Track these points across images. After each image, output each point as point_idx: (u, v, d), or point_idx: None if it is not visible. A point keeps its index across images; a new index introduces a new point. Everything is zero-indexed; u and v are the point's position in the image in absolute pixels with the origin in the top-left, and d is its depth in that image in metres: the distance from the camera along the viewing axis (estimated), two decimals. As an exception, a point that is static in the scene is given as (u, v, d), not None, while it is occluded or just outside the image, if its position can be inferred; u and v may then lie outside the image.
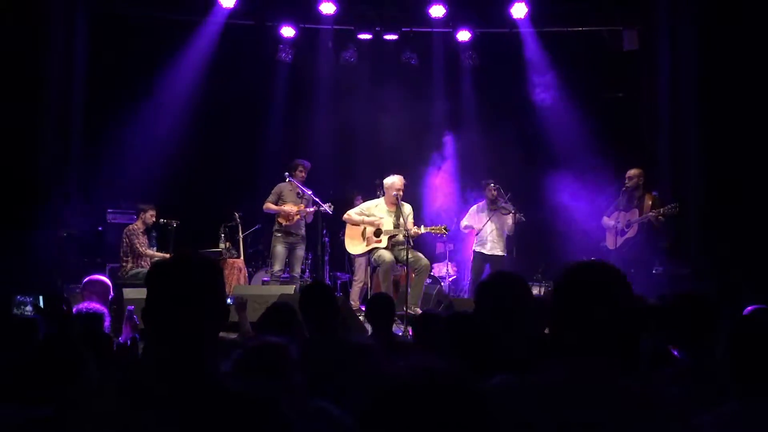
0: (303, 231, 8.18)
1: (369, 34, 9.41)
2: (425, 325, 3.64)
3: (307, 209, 7.98)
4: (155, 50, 9.03)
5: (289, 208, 7.94)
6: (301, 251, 8.18)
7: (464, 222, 8.50)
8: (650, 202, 7.31)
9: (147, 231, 8.08)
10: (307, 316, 3.53)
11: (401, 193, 7.46)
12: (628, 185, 7.45)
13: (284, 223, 7.98)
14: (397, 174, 7.62)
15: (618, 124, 9.09)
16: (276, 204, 8.01)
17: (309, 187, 8.10)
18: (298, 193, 8.06)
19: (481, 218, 8.36)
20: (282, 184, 8.09)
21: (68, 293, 7.63)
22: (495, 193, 8.24)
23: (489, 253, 8.23)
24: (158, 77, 9.12)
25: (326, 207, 7.83)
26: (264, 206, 8.05)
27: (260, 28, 9.41)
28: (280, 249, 8.02)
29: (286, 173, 8.02)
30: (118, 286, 7.85)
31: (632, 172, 7.48)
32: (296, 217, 7.96)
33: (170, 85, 9.20)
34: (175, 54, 9.16)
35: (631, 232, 7.34)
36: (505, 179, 8.46)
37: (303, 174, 8.09)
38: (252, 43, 9.44)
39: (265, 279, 8.61)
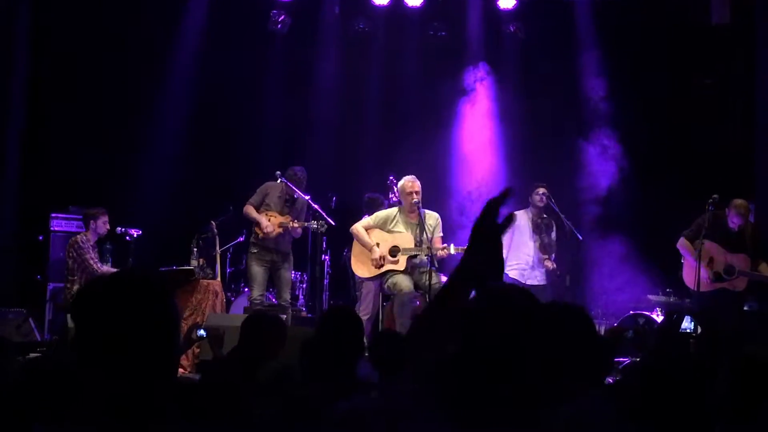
0: (288, 247, 8.04)
1: (386, -1, 9.36)
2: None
3: (293, 223, 7.84)
4: (112, 24, 9.07)
5: (267, 220, 7.82)
6: (286, 273, 8.03)
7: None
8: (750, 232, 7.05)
9: (98, 243, 7.98)
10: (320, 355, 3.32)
11: (418, 197, 7.19)
12: (736, 225, 6.99)
13: (261, 234, 7.85)
14: (412, 174, 7.37)
15: (703, 119, 8.95)
16: (259, 209, 7.93)
17: (309, 194, 7.91)
18: (287, 200, 7.96)
19: (524, 235, 8.01)
20: (270, 184, 7.97)
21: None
22: (545, 201, 7.86)
23: (530, 282, 7.85)
24: (114, 51, 9.12)
25: (316, 225, 7.70)
26: (244, 208, 7.93)
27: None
28: (256, 270, 7.88)
29: (278, 172, 7.91)
30: (62, 312, 7.87)
31: (742, 203, 7.03)
32: (277, 231, 7.85)
33: (130, 61, 9.19)
34: (133, 25, 9.17)
35: (735, 284, 7.02)
36: (558, 195, 8.16)
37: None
38: (238, 10, 9.43)
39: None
